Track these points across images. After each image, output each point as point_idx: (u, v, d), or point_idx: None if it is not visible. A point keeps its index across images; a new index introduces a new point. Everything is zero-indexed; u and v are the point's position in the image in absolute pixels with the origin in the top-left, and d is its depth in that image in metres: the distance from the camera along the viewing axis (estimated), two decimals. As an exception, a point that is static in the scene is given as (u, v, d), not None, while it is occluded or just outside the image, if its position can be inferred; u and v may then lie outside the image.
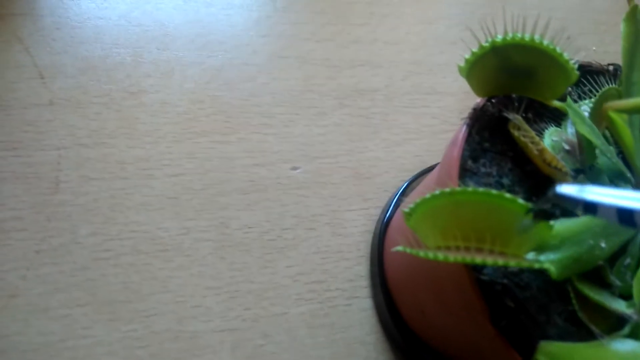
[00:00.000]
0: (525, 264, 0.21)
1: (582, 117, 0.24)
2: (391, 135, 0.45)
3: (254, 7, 0.46)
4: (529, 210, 0.20)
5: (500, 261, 0.20)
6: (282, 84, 0.44)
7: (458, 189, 0.21)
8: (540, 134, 0.27)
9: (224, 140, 0.40)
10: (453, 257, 0.20)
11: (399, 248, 0.22)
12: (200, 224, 0.37)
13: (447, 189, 0.21)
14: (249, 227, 0.38)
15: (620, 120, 0.23)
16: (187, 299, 0.35)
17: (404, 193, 0.41)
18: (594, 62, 0.29)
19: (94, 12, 0.42)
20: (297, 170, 0.41)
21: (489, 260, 0.19)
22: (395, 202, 0.40)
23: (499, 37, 0.24)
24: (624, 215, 0.17)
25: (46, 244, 0.34)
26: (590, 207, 0.18)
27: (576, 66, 0.23)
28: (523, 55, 0.24)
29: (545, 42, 0.23)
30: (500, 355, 0.23)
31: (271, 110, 0.42)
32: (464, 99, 0.48)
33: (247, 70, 0.43)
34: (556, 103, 0.25)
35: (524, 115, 0.26)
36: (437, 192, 0.21)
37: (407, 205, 0.22)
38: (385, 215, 0.39)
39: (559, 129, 0.27)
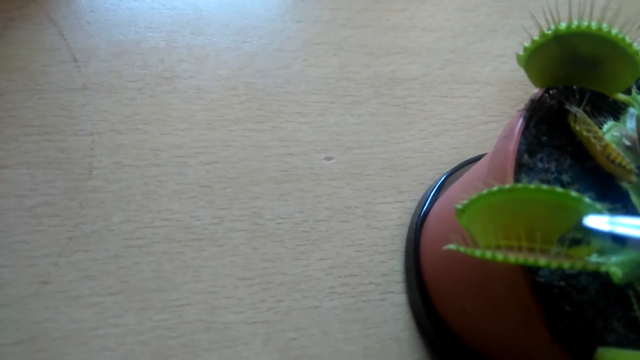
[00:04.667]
0: (590, 267, 0.19)
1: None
2: (428, 126, 0.43)
3: (289, -9, 0.45)
4: (596, 211, 0.19)
5: (566, 264, 0.18)
6: (317, 71, 0.42)
7: (519, 185, 0.19)
8: (599, 128, 0.25)
9: (257, 129, 0.39)
10: (514, 257, 0.18)
11: (452, 246, 0.21)
12: (234, 213, 0.36)
13: (507, 186, 0.20)
14: (282, 218, 0.37)
15: None
16: (219, 289, 0.34)
17: (442, 186, 0.40)
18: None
19: (127, -6, 0.41)
20: (331, 161, 0.40)
21: (554, 263, 0.18)
22: (433, 195, 0.39)
23: (563, 25, 0.22)
24: None
25: (79, 230, 0.33)
26: (620, 240, 0.17)
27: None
28: (589, 44, 0.22)
29: (614, 32, 0.22)
30: (553, 359, 0.22)
31: (306, 98, 0.41)
32: (505, 90, 0.46)
33: (282, 57, 0.42)
34: (621, 96, 0.23)
35: (585, 110, 0.25)
36: (495, 188, 0.20)
37: (460, 201, 0.21)
38: (422, 209, 0.38)
39: (618, 123, 0.26)
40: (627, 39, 0.22)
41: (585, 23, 0.22)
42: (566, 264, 0.18)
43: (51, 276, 0.32)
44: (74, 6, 0.39)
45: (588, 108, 0.26)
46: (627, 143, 0.25)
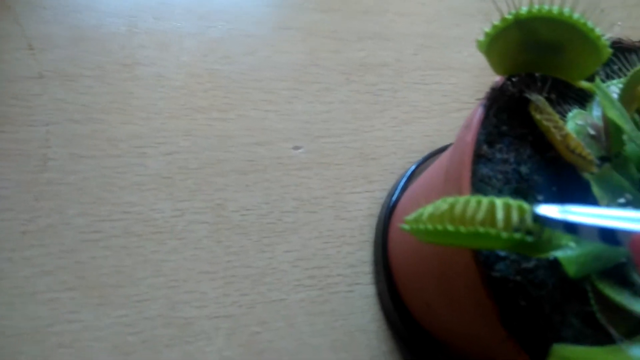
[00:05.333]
0: (543, 250, 0.19)
1: (611, 100, 0.22)
2: (400, 114, 0.42)
3: (257, -26, 0.43)
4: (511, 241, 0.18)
5: (517, 235, 0.17)
6: (285, 57, 0.41)
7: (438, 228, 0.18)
8: (563, 117, 0.24)
9: (222, 117, 0.38)
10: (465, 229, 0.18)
11: (405, 227, 0.20)
12: (196, 205, 0.35)
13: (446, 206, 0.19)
14: (247, 210, 0.36)
15: None
16: (180, 283, 0.33)
17: (412, 176, 0.39)
18: (624, 39, 0.26)
19: (85, -23, 0.39)
20: (299, 150, 0.39)
21: (504, 234, 0.17)
22: (402, 185, 0.38)
23: (524, 9, 0.21)
24: (606, 235, 0.17)
25: (33, 224, 0.32)
26: (571, 228, 0.17)
27: (609, 43, 0.21)
28: (550, 29, 0.21)
29: (576, 16, 0.21)
30: (510, 356, 0.21)
31: (273, 85, 0.40)
32: (479, 76, 0.45)
33: (249, 43, 0.41)
34: (584, 84, 0.22)
35: (546, 96, 0.24)
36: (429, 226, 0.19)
37: (407, 218, 0.21)
38: (392, 199, 0.37)
39: (583, 111, 0.25)
40: (589, 24, 0.21)
41: (546, 7, 0.21)
42: (517, 236, 0.18)
43: (5, 272, 0.31)
44: (28, -10, 0.38)
45: (553, 96, 0.25)
46: (592, 132, 0.24)
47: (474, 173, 0.22)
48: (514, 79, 0.24)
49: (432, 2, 0.47)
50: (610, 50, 0.21)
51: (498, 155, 0.23)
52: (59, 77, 0.36)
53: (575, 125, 0.24)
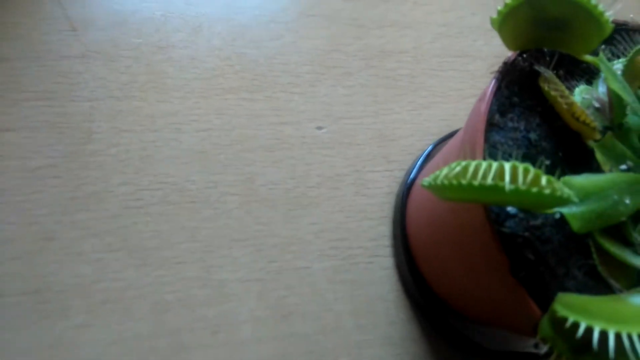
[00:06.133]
0: (547, 211, 0.21)
1: (613, 73, 0.24)
2: (417, 98, 0.45)
3: (283, -36, 0.46)
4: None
5: (533, 189, 0.20)
6: (309, 43, 0.43)
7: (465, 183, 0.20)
8: (571, 91, 0.26)
9: (251, 98, 0.41)
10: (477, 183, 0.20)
11: (424, 182, 0.22)
12: (227, 178, 0.38)
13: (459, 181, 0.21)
14: (274, 184, 0.39)
15: None
16: (214, 249, 0.36)
17: (429, 156, 0.41)
18: (630, 21, 0.28)
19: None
20: (322, 130, 0.41)
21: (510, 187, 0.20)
22: (419, 164, 0.40)
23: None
24: None
25: (80, 191, 0.35)
26: None
27: (610, 19, 0.23)
28: (557, 6, 0.23)
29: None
30: (519, 306, 0.24)
31: (298, 69, 0.42)
32: (495, 64, 0.47)
33: (274, 28, 0.43)
34: (588, 57, 0.25)
35: (555, 71, 0.26)
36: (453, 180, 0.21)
37: (426, 179, 0.23)
38: (409, 177, 0.39)
39: (589, 87, 0.27)
40: (593, 1, 0.23)
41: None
42: (522, 187, 0.20)
43: (55, 233, 0.34)
44: (73, -23, 0.40)
45: (562, 72, 0.27)
46: (597, 105, 0.26)
47: (487, 139, 0.25)
48: (524, 55, 0.26)
49: (449, -8, 0.49)
50: (612, 26, 0.23)
51: (509, 124, 0.25)
52: (100, 57, 0.39)
53: (581, 98, 0.26)
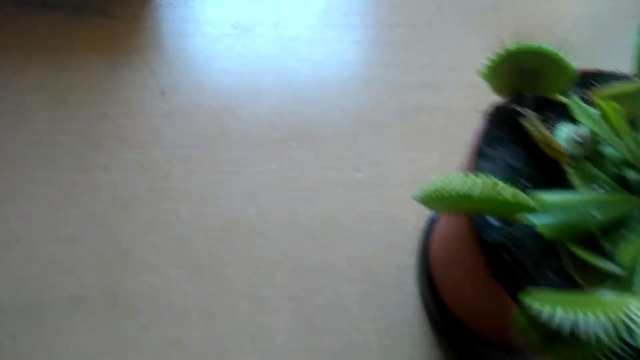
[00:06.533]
0: (523, 220, 0.25)
1: (583, 109, 0.29)
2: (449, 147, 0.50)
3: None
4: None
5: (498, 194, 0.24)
6: (351, 101, 0.51)
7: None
8: (553, 127, 0.31)
9: (297, 147, 0.48)
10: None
11: (414, 195, 0.28)
12: (275, 211, 0.45)
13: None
14: (314, 218, 0.45)
15: (608, 107, 0.27)
16: (258, 269, 0.42)
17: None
18: (602, 70, 0.33)
19: (203, 44, 0.53)
20: (359, 173, 0.47)
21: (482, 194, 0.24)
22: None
23: (514, 45, 0.29)
24: None
25: (155, 218, 0.43)
26: None
27: (574, 66, 0.28)
28: (532, 58, 0.29)
29: (550, 48, 0.28)
30: (501, 306, 0.27)
31: (340, 123, 0.50)
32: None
33: (322, 89, 0.51)
34: (560, 97, 0.29)
35: (542, 113, 0.31)
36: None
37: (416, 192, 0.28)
38: (433, 215, 0.44)
39: (573, 125, 0.31)
40: (560, 54, 0.28)
41: (529, 43, 0.29)
42: (492, 195, 0.24)
43: (131, 250, 0.42)
44: (165, 55, 0.51)
45: (551, 115, 0.32)
46: (578, 139, 0.30)
47: (477, 166, 0.29)
48: (509, 98, 0.31)
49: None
50: (575, 70, 0.28)
51: (497, 155, 0.30)
52: (181, 114, 0.48)
53: (565, 134, 0.31)
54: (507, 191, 0.25)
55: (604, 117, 0.28)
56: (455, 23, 0.56)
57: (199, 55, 0.52)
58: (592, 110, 0.30)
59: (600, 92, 0.27)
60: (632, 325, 0.22)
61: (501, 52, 0.30)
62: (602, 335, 0.22)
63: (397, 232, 0.45)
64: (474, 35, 0.56)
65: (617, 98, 0.27)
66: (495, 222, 0.28)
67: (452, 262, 0.34)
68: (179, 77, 0.50)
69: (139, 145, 0.47)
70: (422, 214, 0.46)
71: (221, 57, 0.52)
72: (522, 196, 0.25)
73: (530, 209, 0.26)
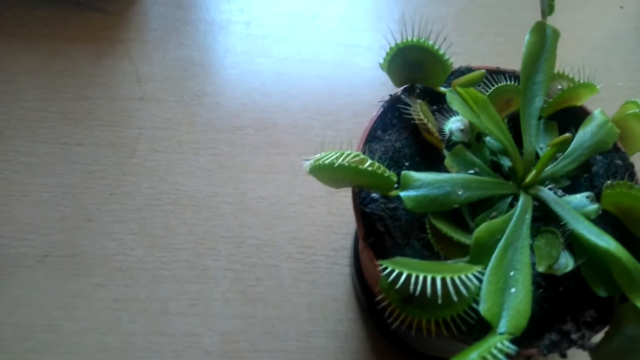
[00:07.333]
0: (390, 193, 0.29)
1: (459, 101, 0.32)
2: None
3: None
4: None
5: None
6: (309, 96, 0.55)
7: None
8: (443, 115, 0.34)
9: (253, 134, 0.52)
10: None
11: (305, 164, 0.31)
12: (226, 190, 0.49)
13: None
14: (262, 198, 0.49)
15: (464, 93, 0.30)
16: (205, 242, 0.47)
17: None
18: (501, 68, 0.36)
19: (180, 39, 0.58)
20: (307, 162, 0.51)
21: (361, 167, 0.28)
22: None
23: (402, 41, 0.33)
24: None
25: (118, 190, 0.48)
26: None
27: (451, 60, 0.31)
28: (416, 53, 0.32)
29: (430, 43, 0.32)
30: (371, 264, 0.31)
31: (297, 114, 0.54)
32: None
33: (283, 81, 0.55)
34: (441, 89, 0.33)
35: (437, 104, 0.34)
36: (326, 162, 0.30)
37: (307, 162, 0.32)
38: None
39: (460, 117, 0.34)
40: (438, 48, 0.32)
41: (414, 38, 0.32)
42: (366, 168, 0.28)
43: (94, 217, 0.47)
44: (145, 46, 0.57)
45: (446, 107, 0.35)
46: (461, 127, 0.34)
47: (368, 147, 0.33)
48: (403, 89, 0.35)
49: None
50: (451, 64, 0.31)
51: (386, 137, 0.33)
52: (153, 100, 0.53)
53: (452, 123, 0.34)
54: (370, 164, 0.28)
55: (464, 101, 0.31)
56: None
57: (176, 49, 0.57)
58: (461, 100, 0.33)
59: (457, 81, 0.31)
60: (464, 289, 0.25)
61: (393, 47, 0.33)
62: (446, 298, 0.26)
63: (337, 216, 0.49)
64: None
65: (466, 85, 0.31)
66: (376, 196, 0.32)
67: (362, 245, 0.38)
68: (155, 67, 0.56)
69: (112, 125, 0.52)
70: (361, 201, 0.49)
71: (196, 51, 0.57)
72: (382, 169, 0.29)
73: (393, 183, 0.29)
